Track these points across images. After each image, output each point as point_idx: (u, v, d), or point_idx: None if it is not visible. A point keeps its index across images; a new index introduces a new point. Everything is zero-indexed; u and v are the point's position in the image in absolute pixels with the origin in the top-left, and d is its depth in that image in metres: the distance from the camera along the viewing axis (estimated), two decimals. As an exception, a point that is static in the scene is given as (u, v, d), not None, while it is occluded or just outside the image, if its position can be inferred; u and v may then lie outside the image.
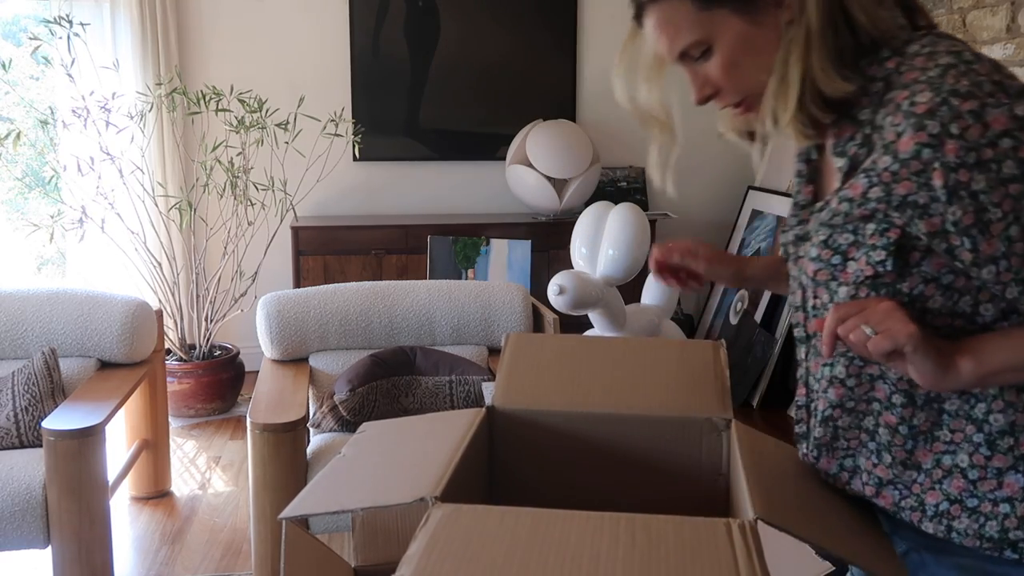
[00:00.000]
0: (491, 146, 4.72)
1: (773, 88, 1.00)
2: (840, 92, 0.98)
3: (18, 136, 3.58)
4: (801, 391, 1.14)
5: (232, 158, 3.92)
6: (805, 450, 1.14)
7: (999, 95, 0.89)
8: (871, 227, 0.96)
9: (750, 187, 4.67)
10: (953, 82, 0.90)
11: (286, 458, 2.20)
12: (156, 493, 3.17)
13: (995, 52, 3.14)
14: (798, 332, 1.12)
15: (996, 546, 0.98)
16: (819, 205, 1.05)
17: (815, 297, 1.06)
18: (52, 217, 3.77)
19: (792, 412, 1.23)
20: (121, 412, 2.75)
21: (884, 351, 0.92)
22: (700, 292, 1.31)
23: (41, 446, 2.31)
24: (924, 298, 0.97)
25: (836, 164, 1.03)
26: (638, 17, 1.06)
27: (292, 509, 1.02)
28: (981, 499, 0.99)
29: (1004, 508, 0.98)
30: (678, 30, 1.02)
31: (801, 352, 1.13)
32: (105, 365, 2.81)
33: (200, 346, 4.08)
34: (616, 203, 3.27)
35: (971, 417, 0.99)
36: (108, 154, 3.77)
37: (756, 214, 4.52)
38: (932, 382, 0.95)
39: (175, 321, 4.04)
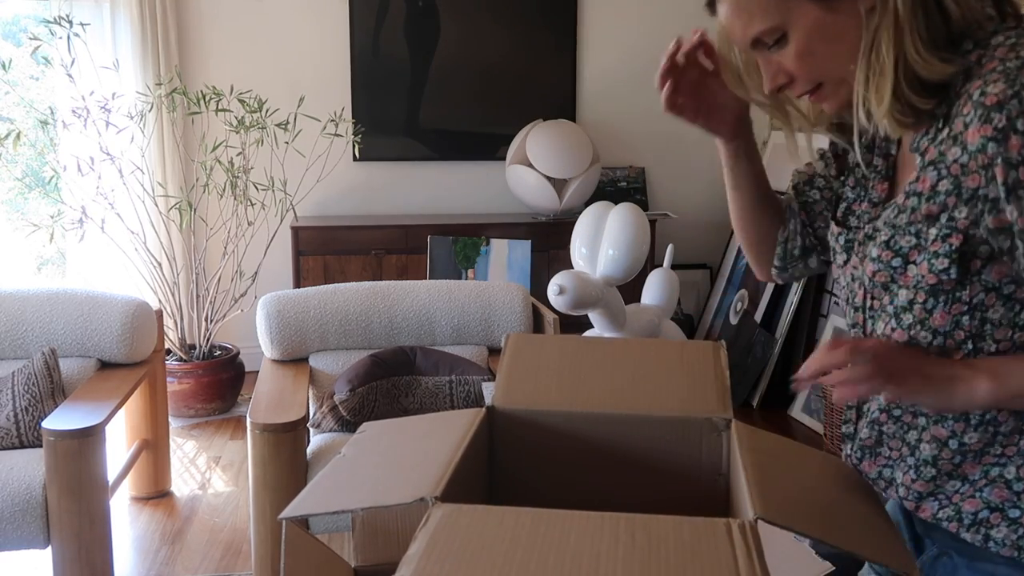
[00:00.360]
0: (491, 146, 4.72)
1: (863, 77, 0.96)
2: (940, 75, 0.94)
3: (18, 136, 3.58)
4: None
5: (232, 158, 3.92)
6: (849, 451, 1.13)
7: None
8: (933, 232, 0.94)
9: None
10: None
11: (286, 458, 2.20)
12: (156, 493, 3.17)
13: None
14: (855, 332, 1.09)
15: None
16: (906, 204, 1.01)
17: (874, 299, 1.03)
18: (52, 217, 3.77)
19: (841, 411, 1.21)
20: (121, 412, 2.75)
21: (849, 399, 0.95)
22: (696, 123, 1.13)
23: (41, 446, 2.31)
24: (984, 307, 0.95)
25: (916, 161, 0.99)
26: (711, 4, 1.04)
27: (292, 509, 1.02)
28: (1022, 502, 0.98)
29: None
30: (752, 17, 0.99)
31: None
32: (105, 365, 2.81)
33: (200, 346, 4.08)
34: (616, 203, 3.27)
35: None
36: (108, 154, 3.77)
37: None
38: (941, 408, 0.96)
39: (175, 321, 4.04)
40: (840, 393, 0.93)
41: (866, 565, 1.18)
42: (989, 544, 0.99)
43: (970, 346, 0.96)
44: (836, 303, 3.74)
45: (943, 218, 0.94)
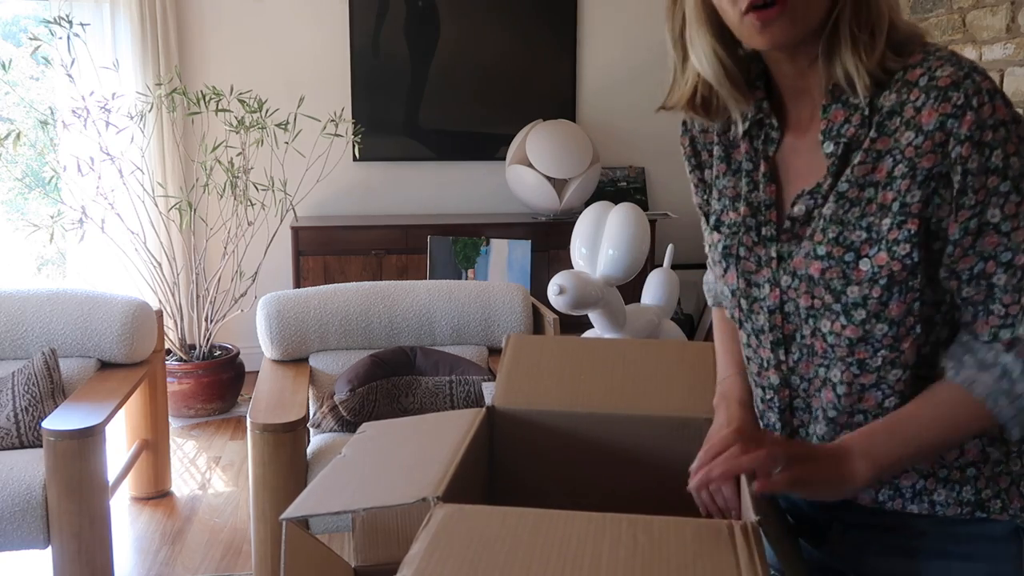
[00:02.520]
0: (491, 146, 4.72)
1: (851, 19, 0.94)
2: (918, 34, 0.96)
3: (18, 136, 3.58)
4: (783, 393, 1.09)
5: (232, 158, 3.92)
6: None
7: (998, 91, 0.92)
8: (887, 222, 0.95)
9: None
10: (970, 62, 0.92)
11: (286, 458, 2.20)
12: (156, 493, 3.17)
13: (995, 52, 3.14)
14: (774, 335, 1.07)
15: (973, 509, 1.02)
16: (801, 200, 1.01)
17: (815, 298, 1.01)
18: (52, 217, 3.77)
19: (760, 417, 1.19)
20: (121, 412, 2.75)
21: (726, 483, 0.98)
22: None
23: (41, 446, 2.31)
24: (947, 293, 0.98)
25: (825, 151, 0.99)
26: None
27: (294, 509, 1.02)
28: (950, 468, 1.02)
29: (971, 472, 1.01)
30: None
31: (779, 354, 1.07)
32: (105, 365, 2.81)
33: (200, 346, 4.08)
34: (616, 203, 3.27)
35: None
36: (108, 154, 3.77)
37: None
38: (834, 495, 0.99)
39: (175, 321, 4.04)
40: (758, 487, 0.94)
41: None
42: (936, 509, 1.03)
43: (918, 330, 0.98)
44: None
45: (895, 206, 0.94)
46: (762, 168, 1.06)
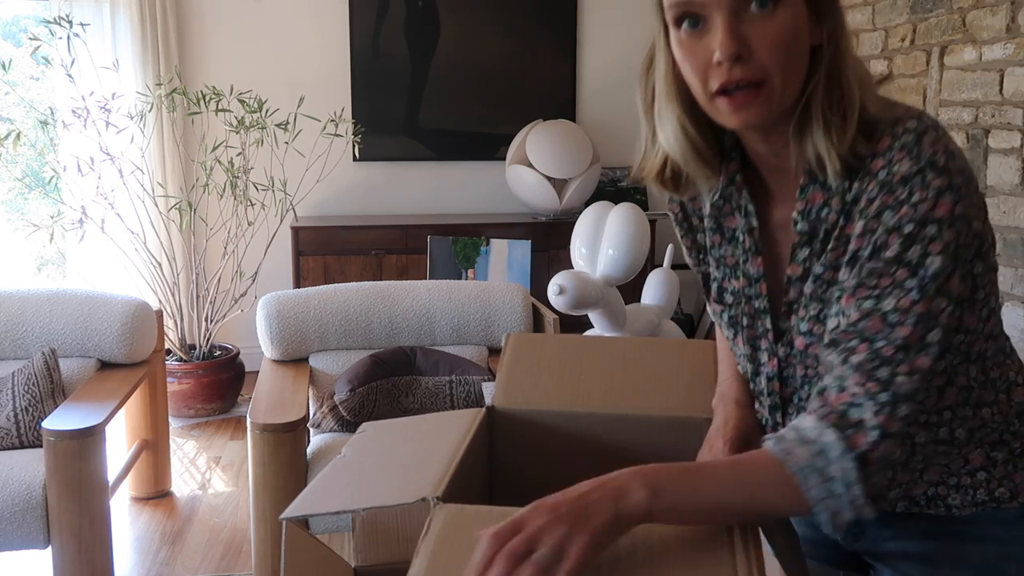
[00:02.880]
0: (491, 146, 4.72)
1: (823, 101, 0.92)
2: (890, 114, 0.93)
3: (18, 136, 3.58)
4: None
5: (232, 158, 3.92)
6: None
7: (962, 182, 0.89)
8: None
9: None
10: (931, 151, 0.90)
11: (286, 458, 2.20)
12: (156, 493, 3.17)
13: (995, 52, 3.14)
14: (772, 400, 1.09)
15: (987, 505, 1.03)
16: (792, 286, 1.02)
17: (808, 368, 1.04)
18: (52, 217, 3.77)
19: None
20: (121, 412, 2.75)
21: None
22: None
23: (41, 446, 2.31)
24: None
25: (799, 230, 0.99)
26: None
27: (294, 509, 1.02)
28: (959, 475, 1.03)
29: (981, 476, 1.03)
30: None
31: (776, 416, 1.10)
32: (105, 365, 2.81)
33: (200, 346, 4.08)
34: (616, 203, 3.27)
35: (938, 439, 1.02)
36: (108, 154, 3.77)
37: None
38: (608, 516, 0.84)
39: (175, 321, 4.04)
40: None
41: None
42: (952, 511, 1.04)
43: None
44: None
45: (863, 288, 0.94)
46: (746, 243, 1.06)
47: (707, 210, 1.09)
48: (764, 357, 1.08)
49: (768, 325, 1.06)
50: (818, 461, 0.88)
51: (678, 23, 0.94)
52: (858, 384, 0.89)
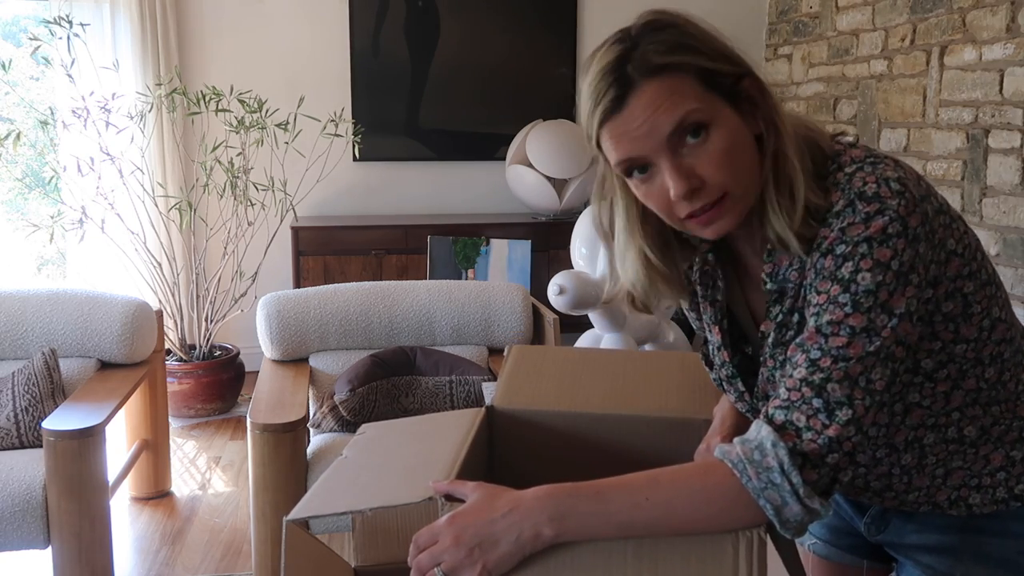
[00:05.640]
0: (491, 146, 4.72)
1: (772, 187, 0.97)
2: (824, 203, 0.96)
3: (18, 136, 3.58)
4: None
5: (232, 158, 3.92)
6: None
7: (899, 205, 0.92)
8: None
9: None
10: (860, 185, 0.94)
11: (286, 458, 2.20)
12: (156, 493, 3.17)
13: (995, 52, 3.14)
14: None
15: (1008, 502, 1.07)
16: (763, 331, 1.05)
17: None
18: (52, 217, 3.77)
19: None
20: (121, 412, 2.75)
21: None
22: None
23: (41, 446, 2.31)
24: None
25: (768, 288, 1.03)
26: (621, 98, 0.94)
27: (299, 511, 1.02)
28: (980, 476, 1.07)
29: (1001, 476, 1.07)
30: (684, 98, 0.94)
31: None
32: (105, 365, 2.81)
33: (200, 346, 4.08)
34: (616, 203, 3.27)
35: (948, 439, 1.04)
36: (108, 154, 3.77)
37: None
38: (511, 527, 0.93)
39: (175, 321, 4.03)
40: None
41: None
42: (973, 510, 1.08)
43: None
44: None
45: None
46: (708, 312, 1.13)
47: (696, 276, 1.15)
48: (746, 408, 1.14)
49: (740, 387, 1.12)
50: (755, 454, 0.93)
51: (628, 175, 1.00)
52: (794, 390, 0.95)
